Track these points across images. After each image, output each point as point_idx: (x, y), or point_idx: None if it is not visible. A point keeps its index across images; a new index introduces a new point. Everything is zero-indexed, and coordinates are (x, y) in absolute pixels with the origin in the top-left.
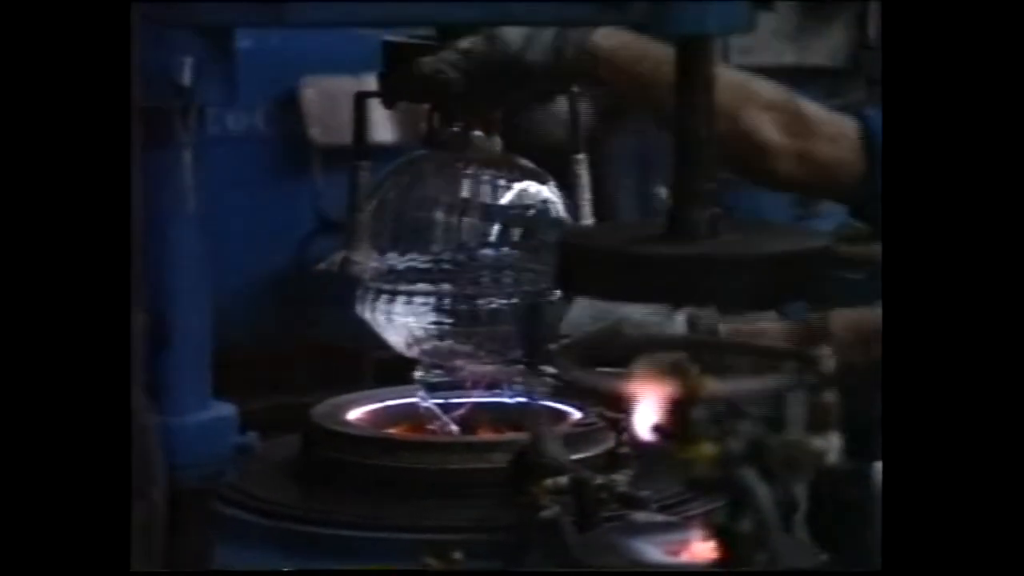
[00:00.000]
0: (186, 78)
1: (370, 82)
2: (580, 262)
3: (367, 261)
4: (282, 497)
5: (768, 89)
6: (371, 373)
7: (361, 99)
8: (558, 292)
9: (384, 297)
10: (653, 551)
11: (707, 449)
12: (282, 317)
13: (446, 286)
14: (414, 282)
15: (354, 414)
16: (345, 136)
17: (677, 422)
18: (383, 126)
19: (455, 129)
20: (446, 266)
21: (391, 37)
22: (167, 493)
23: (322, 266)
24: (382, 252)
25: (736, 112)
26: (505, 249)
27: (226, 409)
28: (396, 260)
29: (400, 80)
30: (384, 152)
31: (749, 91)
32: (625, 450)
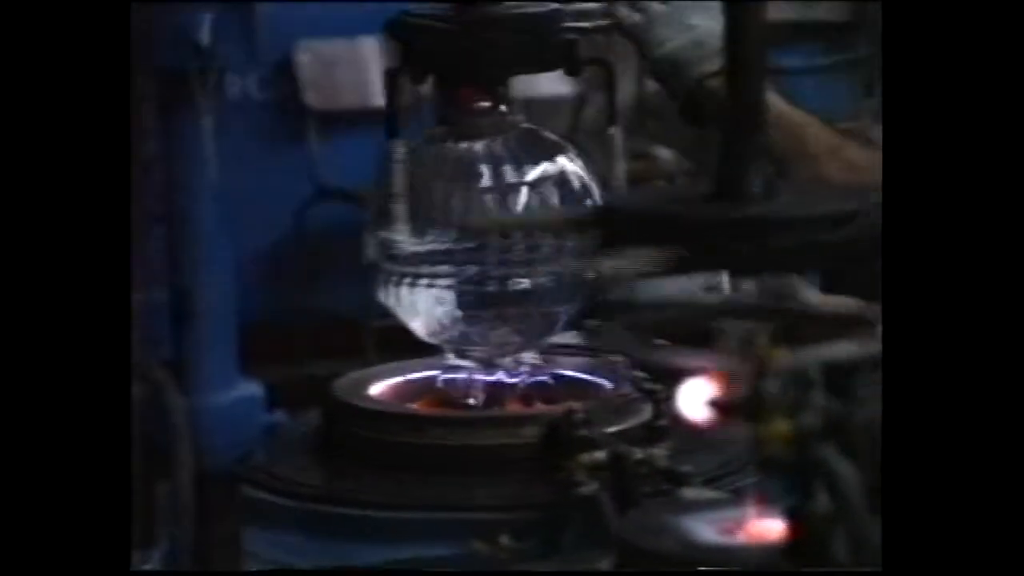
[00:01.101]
0: (204, 38)
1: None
2: (626, 228)
3: (408, 244)
4: (303, 476)
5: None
6: (372, 343)
7: (392, 76)
8: (592, 269)
9: (406, 281)
10: (706, 530)
11: (782, 426)
12: (278, 288)
13: (472, 267)
14: (435, 264)
15: (376, 388)
16: (342, 101)
17: (747, 398)
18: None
19: (480, 104)
20: (470, 247)
21: (413, 11)
22: (194, 477)
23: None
24: (401, 234)
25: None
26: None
27: (253, 388)
28: (417, 242)
29: (428, 56)
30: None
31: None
32: (664, 422)
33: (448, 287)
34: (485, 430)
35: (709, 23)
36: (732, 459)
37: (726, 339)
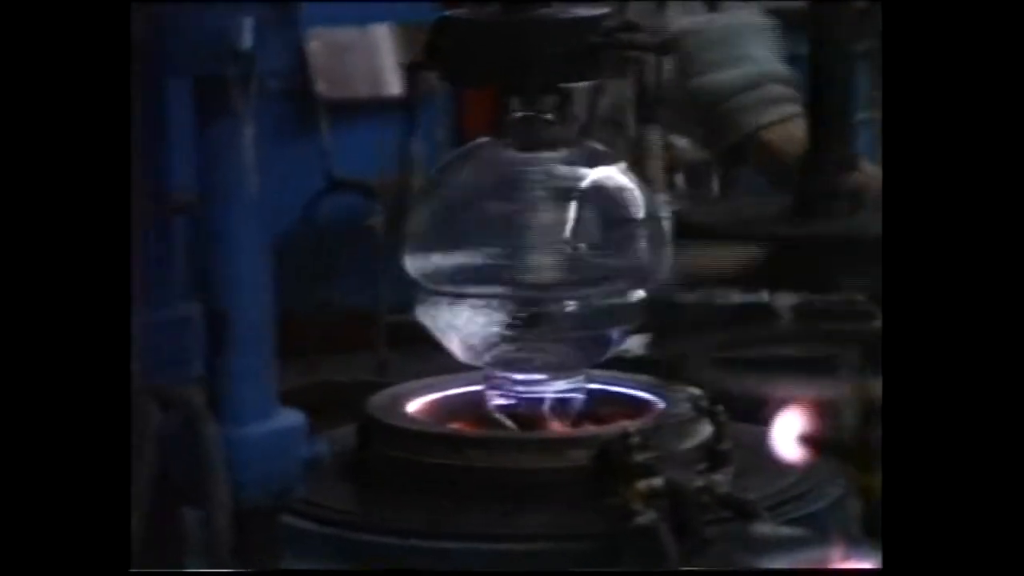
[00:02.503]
0: (245, 42)
1: (378, 33)
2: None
3: (423, 262)
4: (337, 501)
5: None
6: (384, 337)
7: (414, 70)
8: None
9: (446, 300)
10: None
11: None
12: (289, 281)
13: (516, 288)
14: (480, 283)
15: (414, 405)
16: (353, 90)
17: (858, 442)
18: (393, 78)
19: (526, 113)
20: (516, 265)
21: (451, 12)
22: (230, 514)
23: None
24: (443, 251)
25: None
26: (582, 246)
27: (294, 418)
28: (459, 259)
29: (468, 58)
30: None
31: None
32: (726, 446)
33: (491, 306)
34: (530, 453)
35: (764, 55)
36: (793, 484)
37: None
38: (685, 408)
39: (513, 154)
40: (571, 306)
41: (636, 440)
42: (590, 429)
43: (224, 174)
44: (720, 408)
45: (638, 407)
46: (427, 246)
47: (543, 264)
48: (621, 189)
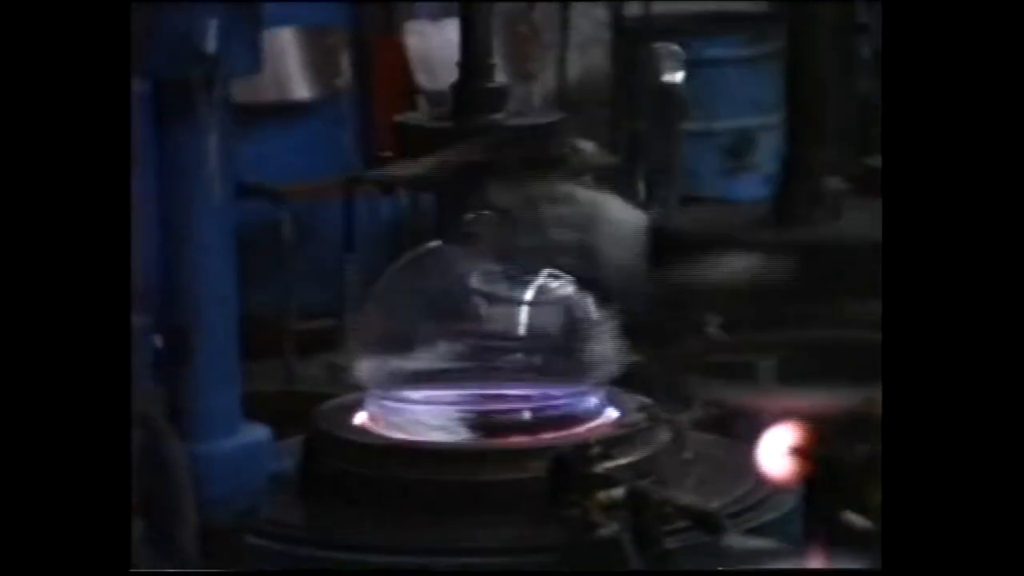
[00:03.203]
0: (210, 45)
1: (284, 38)
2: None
3: (359, 367)
4: (286, 516)
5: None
6: (292, 344)
7: (352, 186)
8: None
9: (393, 406)
10: None
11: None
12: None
13: (468, 391)
14: (430, 385)
15: (362, 417)
16: (261, 94)
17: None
18: (299, 83)
19: (474, 216)
20: (467, 366)
21: (404, 119)
22: (197, 533)
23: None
24: (390, 353)
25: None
26: (536, 357)
27: (259, 433)
28: (406, 362)
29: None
30: (303, 110)
31: None
32: (687, 455)
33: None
34: (487, 464)
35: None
36: (748, 493)
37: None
38: (639, 417)
39: (461, 258)
40: (525, 416)
41: (596, 451)
42: (547, 439)
43: (187, 183)
44: (681, 420)
45: (586, 419)
46: (379, 350)
47: (492, 367)
48: (570, 296)
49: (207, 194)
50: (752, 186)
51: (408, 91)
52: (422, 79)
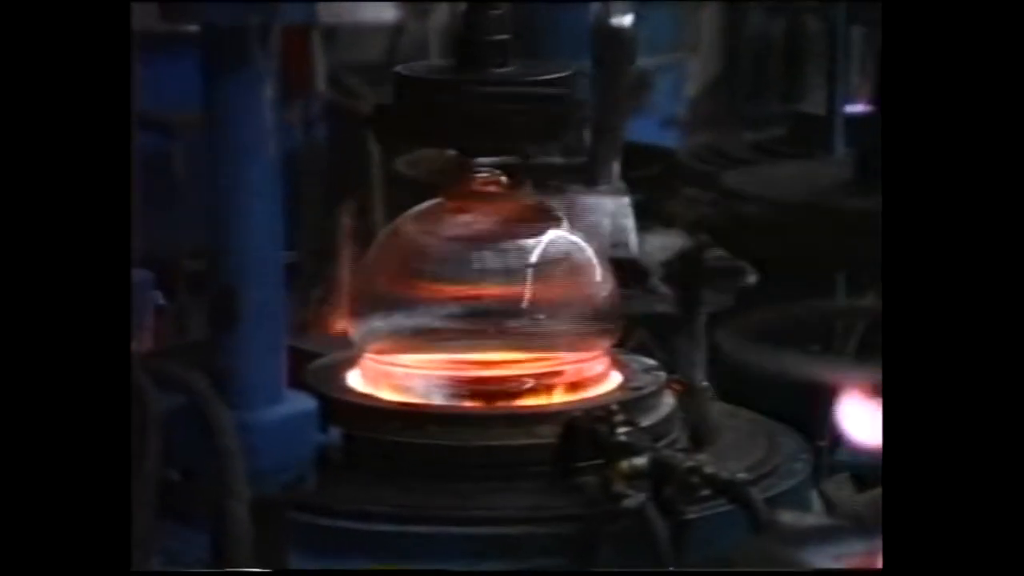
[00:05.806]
0: None
1: None
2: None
3: (354, 325)
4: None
5: None
6: (184, 284)
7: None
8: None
9: (385, 365)
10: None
11: None
12: None
13: (464, 354)
14: (425, 348)
15: (355, 376)
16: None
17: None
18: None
19: (479, 173)
20: (465, 327)
21: (405, 70)
22: (249, 506)
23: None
24: (384, 313)
25: None
26: (541, 316)
27: (305, 402)
28: (402, 321)
29: (421, 116)
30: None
31: None
32: (710, 423)
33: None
34: (498, 428)
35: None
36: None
37: None
38: (649, 380)
39: (468, 218)
40: (528, 385)
41: (620, 418)
42: (560, 403)
43: (240, 134)
44: (706, 386)
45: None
46: (372, 308)
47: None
48: (573, 250)
49: (261, 146)
50: (650, 129)
51: None
52: None
